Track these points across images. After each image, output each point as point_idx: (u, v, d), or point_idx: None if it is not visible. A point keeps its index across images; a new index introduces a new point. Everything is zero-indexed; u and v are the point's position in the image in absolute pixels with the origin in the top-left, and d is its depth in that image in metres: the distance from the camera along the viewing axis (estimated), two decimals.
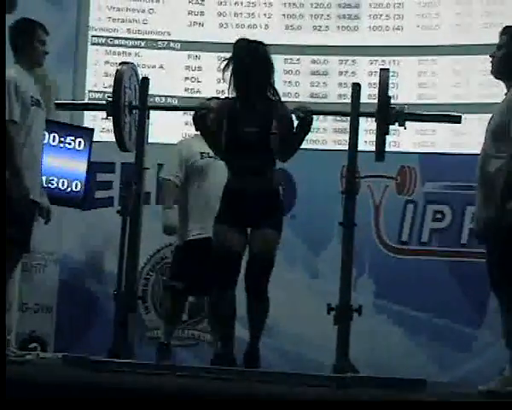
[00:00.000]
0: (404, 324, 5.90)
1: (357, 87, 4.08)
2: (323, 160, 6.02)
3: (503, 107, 3.95)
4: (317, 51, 6.41)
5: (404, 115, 4.02)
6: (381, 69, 4.10)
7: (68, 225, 6.15)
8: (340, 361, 3.88)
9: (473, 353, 5.80)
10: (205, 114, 4.11)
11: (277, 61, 6.30)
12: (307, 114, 4.09)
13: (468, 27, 6.23)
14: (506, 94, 4.01)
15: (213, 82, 6.42)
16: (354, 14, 6.41)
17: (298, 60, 6.44)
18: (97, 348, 5.45)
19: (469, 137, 5.85)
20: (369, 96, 6.12)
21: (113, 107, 4.10)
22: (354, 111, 4.02)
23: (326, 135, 6.35)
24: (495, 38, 5.97)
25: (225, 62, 4.10)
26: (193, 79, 6.51)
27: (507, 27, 4.12)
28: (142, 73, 6.28)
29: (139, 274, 5.43)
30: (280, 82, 6.30)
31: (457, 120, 4.19)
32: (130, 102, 4.23)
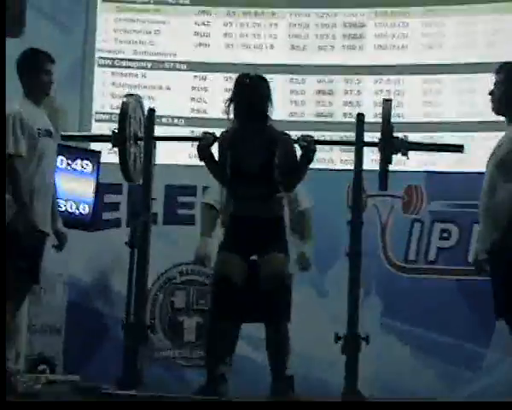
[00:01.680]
0: (411, 342, 5.91)
1: (361, 117, 4.09)
2: (330, 179, 6.04)
3: (509, 138, 4.00)
4: (323, 71, 6.43)
5: (407, 145, 4.04)
6: (384, 99, 4.14)
7: (76, 246, 6.15)
8: (348, 391, 3.89)
9: (481, 371, 5.81)
10: (208, 145, 4.16)
11: (283, 80, 6.46)
12: (310, 144, 4.12)
13: (472, 46, 6.24)
14: (508, 126, 4.07)
15: (219, 102, 6.42)
16: (359, 34, 6.43)
17: (303, 79, 6.46)
18: (106, 370, 5.53)
19: (475, 155, 5.84)
20: (374, 115, 6.23)
21: (119, 138, 4.12)
22: (358, 141, 4.03)
23: (333, 153, 6.36)
24: (499, 57, 6.05)
25: (228, 100, 4.16)
26: (199, 100, 6.54)
27: (503, 65, 4.19)
28: (148, 94, 6.51)
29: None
30: (286, 101, 6.41)
31: (460, 149, 4.23)
32: (136, 132, 4.26)
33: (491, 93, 4.15)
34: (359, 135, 4.07)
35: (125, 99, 4.24)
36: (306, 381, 5.39)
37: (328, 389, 5.40)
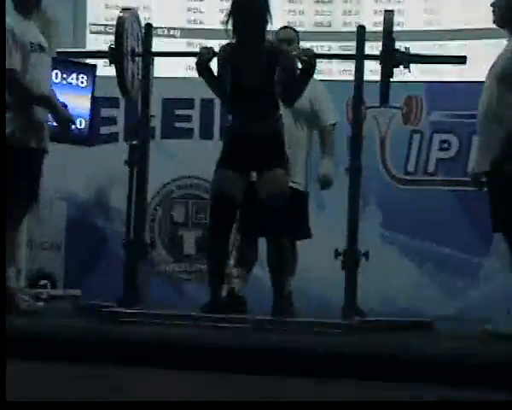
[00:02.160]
0: (410, 253, 5.94)
1: (361, 29, 4.01)
2: (329, 90, 5.95)
3: (509, 53, 3.93)
4: None
5: (408, 58, 3.97)
6: (385, 11, 4.04)
7: (74, 161, 6.15)
8: (347, 306, 3.91)
9: (479, 281, 5.85)
10: (207, 60, 4.09)
11: None
12: (310, 58, 4.05)
13: None
14: (508, 40, 4.00)
15: (216, 12, 6.33)
16: None
17: None
18: (106, 284, 5.56)
19: (476, 64, 5.75)
20: (374, 23, 6.11)
21: (116, 54, 4.05)
22: (359, 54, 3.95)
23: (331, 64, 6.27)
24: None
25: (227, 15, 4.07)
26: (195, 10, 6.41)
27: None
28: (143, 3, 6.38)
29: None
30: (284, 11, 6.28)
31: (462, 60, 4.15)
32: (133, 48, 4.18)
33: (492, 4, 4.07)
34: (360, 48, 3.98)
35: (121, 14, 4.13)
36: (306, 296, 5.45)
37: (328, 304, 5.43)
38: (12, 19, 4.35)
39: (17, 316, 3.95)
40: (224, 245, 4.09)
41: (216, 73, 4.13)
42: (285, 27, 4.86)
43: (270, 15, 4.07)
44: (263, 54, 4.06)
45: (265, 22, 4.06)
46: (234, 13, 4.04)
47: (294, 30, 4.91)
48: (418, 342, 3.63)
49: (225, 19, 4.05)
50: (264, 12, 4.04)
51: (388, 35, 3.88)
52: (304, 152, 4.79)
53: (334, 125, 4.80)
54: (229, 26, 4.04)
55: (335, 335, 3.69)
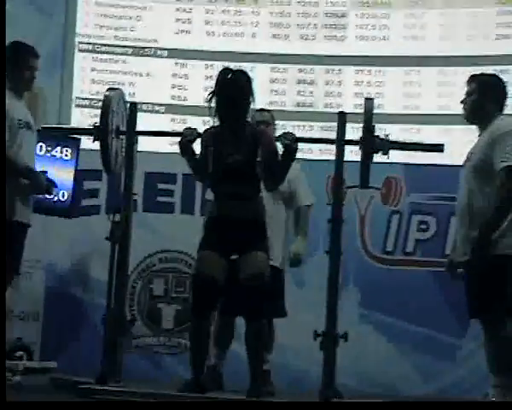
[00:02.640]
0: (388, 333, 5.97)
1: (342, 116, 4.11)
2: (309, 169, 6.05)
3: (484, 142, 4.08)
4: (304, 60, 6.44)
5: (387, 144, 4.07)
6: (365, 99, 4.16)
7: (54, 232, 6.17)
8: (326, 388, 3.93)
9: (456, 362, 5.88)
10: (191, 141, 4.16)
11: (264, 69, 6.46)
12: (292, 141, 4.13)
13: (452, 38, 6.28)
14: (479, 135, 4.15)
15: (200, 90, 6.45)
16: (341, 24, 6.43)
17: (284, 69, 6.46)
18: (84, 357, 5.55)
19: (454, 147, 5.87)
20: (354, 105, 6.26)
21: (101, 132, 4.11)
22: (340, 139, 4.05)
23: (312, 144, 6.37)
24: (479, 50, 6.10)
25: (210, 94, 4.14)
26: (179, 87, 6.53)
27: (473, 76, 4.30)
28: (129, 80, 6.49)
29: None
30: (267, 91, 6.41)
31: (440, 148, 4.29)
32: (118, 126, 4.25)
33: (462, 102, 4.25)
34: (340, 133, 4.07)
35: (107, 93, 4.22)
36: (284, 370, 5.48)
37: (306, 379, 5.46)
38: (6, 97, 4.44)
39: None
40: (205, 325, 4.11)
41: (198, 155, 4.19)
42: (261, 110, 4.94)
43: (254, 98, 4.15)
44: (245, 136, 4.14)
45: (248, 105, 4.14)
46: (217, 94, 4.10)
47: (268, 111, 5.03)
48: None
49: (208, 98, 4.11)
50: (247, 95, 4.12)
51: (368, 122, 3.97)
52: (282, 230, 4.88)
53: (309, 206, 4.91)
54: (212, 105, 4.10)
55: None
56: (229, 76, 4.13)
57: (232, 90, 4.08)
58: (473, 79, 4.29)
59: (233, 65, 6.34)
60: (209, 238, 4.16)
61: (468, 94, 4.24)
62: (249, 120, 4.25)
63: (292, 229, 4.97)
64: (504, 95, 4.24)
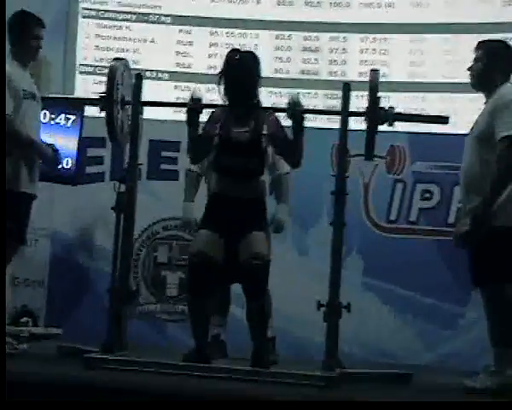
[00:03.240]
0: (391, 301, 5.99)
1: (347, 87, 4.10)
2: (313, 137, 6.03)
3: (487, 111, 4.05)
4: (309, 28, 6.40)
5: (392, 116, 4.06)
6: (371, 70, 4.13)
7: (59, 199, 6.19)
8: (329, 358, 3.96)
9: (459, 330, 5.91)
10: (198, 112, 4.15)
11: (268, 36, 6.43)
12: (299, 114, 4.13)
13: (458, 5, 6.23)
14: (485, 103, 4.13)
15: (204, 57, 6.45)
16: None
17: (289, 36, 6.43)
18: (88, 324, 5.59)
19: (459, 116, 5.87)
20: (359, 73, 6.24)
21: (106, 103, 4.12)
22: (344, 111, 4.04)
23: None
24: (484, 17, 6.06)
25: (219, 74, 4.17)
26: (184, 54, 6.50)
27: (481, 42, 4.27)
28: (133, 46, 6.47)
29: None
30: (271, 58, 6.38)
31: (445, 121, 4.27)
32: (123, 97, 4.25)
33: (469, 68, 4.21)
34: (345, 105, 4.07)
35: (112, 63, 4.21)
36: (287, 339, 5.52)
37: (310, 347, 5.49)
38: (10, 66, 4.45)
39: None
40: (203, 304, 4.11)
41: (202, 132, 4.21)
42: None
43: (260, 78, 4.14)
44: (252, 116, 4.17)
45: (255, 86, 4.16)
46: (225, 75, 4.14)
47: None
48: (398, 396, 3.68)
49: (219, 75, 4.14)
50: (254, 77, 4.14)
51: (373, 93, 3.96)
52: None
53: (288, 173, 4.92)
54: (221, 85, 4.14)
55: (316, 387, 3.74)
56: (237, 57, 4.14)
57: (239, 71, 4.10)
58: (480, 45, 4.25)
59: (237, 31, 6.41)
60: (209, 217, 4.17)
61: (476, 61, 4.20)
62: (258, 100, 4.22)
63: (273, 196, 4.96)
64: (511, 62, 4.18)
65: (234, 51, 4.20)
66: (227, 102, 4.17)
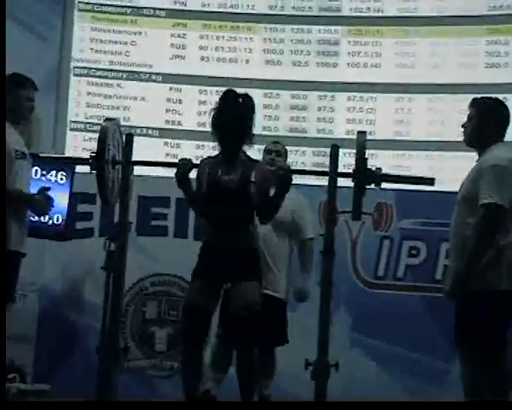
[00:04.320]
0: (378, 357, 6.02)
1: (335, 148, 4.18)
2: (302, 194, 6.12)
3: (473, 174, 4.09)
4: (297, 87, 6.52)
5: (380, 177, 4.13)
6: (358, 132, 4.20)
7: (48, 254, 6.22)
8: None
9: (445, 386, 5.93)
10: (186, 171, 4.19)
11: (257, 95, 6.48)
12: (286, 173, 4.18)
13: (443, 67, 6.38)
14: (477, 161, 4.16)
15: (194, 114, 6.54)
16: (333, 51, 6.52)
17: (277, 94, 6.55)
18: (76, 379, 5.59)
19: (444, 174, 5.97)
20: (346, 131, 6.35)
21: (97, 163, 4.17)
22: (332, 172, 4.11)
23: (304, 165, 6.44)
24: (468, 78, 6.19)
25: (212, 111, 4.18)
26: (174, 111, 6.60)
27: (474, 100, 4.25)
28: (123, 104, 6.56)
29: None
30: (260, 116, 6.45)
31: (431, 182, 4.32)
32: (114, 157, 4.31)
33: (463, 126, 4.23)
34: (334, 167, 4.14)
35: (103, 123, 4.28)
36: (276, 395, 5.52)
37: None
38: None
39: None
40: (196, 353, 4.13)
41: (195, 187, 4.23)
42: (275, 142, 5.12)
43: (251, 129, 4.18)
44: (241, 162, 4.17)
45: (247, 128, 4.16)
46: (219, 111, 4.13)
47: (283, 146, 5.12)
48: None
49: (211, 112, 4.16)
50: (247, 117, 4.15)
51: (361, 155, 4.03)
52: (285, 263, 4.95)
53: (312, 239, 4.96)
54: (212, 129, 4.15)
55: None
56: (234, 96, 4.15)
57: (234, 109, 4.09)
58: (473, 103, 4.23)
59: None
60: (201, 267, 4.18)
61: (469, 118, 4.20)
62: (245, 150, 4.25)
63: (297, 262, 5.04)
64: (505, 120, 4.18)
65: (231, 91, 4.18)
66: (216, 141, 4.17)
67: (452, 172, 5.95)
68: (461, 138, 4.35)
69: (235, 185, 4.12)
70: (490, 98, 4.29)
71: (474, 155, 4.35)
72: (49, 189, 4.78)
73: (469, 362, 3.98)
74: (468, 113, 4.24)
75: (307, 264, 4.96)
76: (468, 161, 4.40)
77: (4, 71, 4.43)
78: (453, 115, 6.07)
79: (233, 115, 4.11)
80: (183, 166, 4.18)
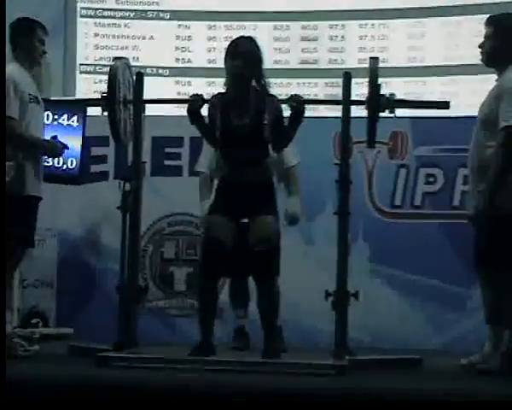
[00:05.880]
0: (398, 286, 6.01)
1: (347, 76, 4.11)
2: (316, 127, 6.05)
3: (493, 96, 4.02)
4: (307, 17, 6.41)
5: (393, 103, 4.07)
6: (370, 58, 4.14)
7: (65, 200, 6.22)
8: (338, 346, 3.99)
9: (467, 312, 5.93)
10: (198, 107, 4.18)
11: (267, 28, 6.43)
12: (299, 104, 4.14)
13: None
14: (497, 80, 4.07)
15: (203, 51, 6.47)
16: None
17: (287, 26, 6.44)
18: (98, 322, 5.62)
19: (459, 99, 5.89)
20: (359, 60, 6.24)
21: (109, 103, 4.14)
22: (345, 100, 4.06)
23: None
24: None
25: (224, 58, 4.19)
26: (183, 49, 6.52)
27: (490, 18, 4.15)
28: (132, 44, 6.49)
29: None
30: (270, 49, 6.38)
31: (446, 106, 4.26)
32: (125, 96, 4.27)
33: (480, 46, 4.13)
34: (346, 93, 4.08)
35: (113, 63, 4.24)
36: (296, 329, 5.55)
37: (319, 337, 5.52)
38: (17, 71, 4.50)
39: (14, 362, 3.99)
40: (214, 289, 4.16)
41: (207, 121, 4.22)
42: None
43: (262, 64, 4.15)
44: (252, 102, 4.16)
45: (253, 72, 4.16)
46: (226, 62, 4.15)
47: None
48: (409, 382, 3.70)
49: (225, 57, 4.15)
50: (250, 62, 4.14)
51: (373, 81, 3.97)
52: None
53: (294, 166, 5.01)
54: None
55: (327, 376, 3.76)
56: (233, 44, 4.16)
57: (234, 58, 4.11)
58: (490, 21, 4.13)
59: (236, 24, 6.41)
60: (218, 203, 4.22)
61: (486, 37, 4.10)
62: (261, 84, 4.22)
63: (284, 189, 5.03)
64: None
65: (235, 39, 4.22)
66: (227, 89, 4.18)
67: (467, 96, 5.87)
68: (477, 61, 4.28)
69: (248, 129, 4.14)
70: (507, 14, 4.19)
71: (489, 78, 4.28)
72: (55, 137, 4.77)
73: (492, 284, 3.98)
74: (484, 32, 4.14)
75: (292, 186, 4.99)
76: (483, 84, 4.33)
77: (4, 70, 4.38)
78: (468, 38, 5.94)
79: (234, 63, 4.13)
80: (195, 102, 4.17)
